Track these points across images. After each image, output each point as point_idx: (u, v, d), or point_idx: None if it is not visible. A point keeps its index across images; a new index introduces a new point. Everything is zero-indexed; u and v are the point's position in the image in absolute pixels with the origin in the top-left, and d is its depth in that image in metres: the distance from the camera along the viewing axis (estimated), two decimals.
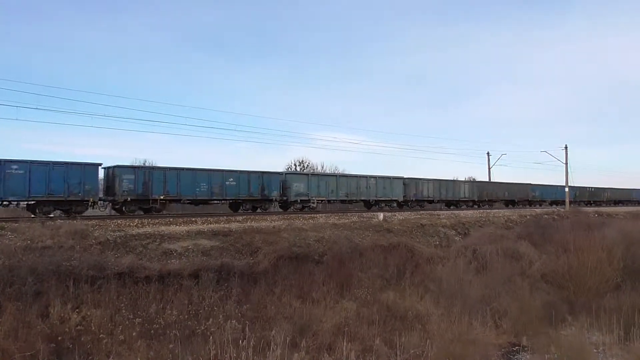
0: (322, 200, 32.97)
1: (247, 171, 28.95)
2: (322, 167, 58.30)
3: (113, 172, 24.35)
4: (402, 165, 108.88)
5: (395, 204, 37.01)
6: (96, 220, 18.57)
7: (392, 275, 18.19)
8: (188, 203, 27.22)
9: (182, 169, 26.43)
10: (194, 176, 26.44)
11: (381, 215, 25.85)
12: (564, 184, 49.30)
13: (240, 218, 22.58)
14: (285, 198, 30.75)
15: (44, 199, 21.58)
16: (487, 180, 53.13)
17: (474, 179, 59.41)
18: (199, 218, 21.68)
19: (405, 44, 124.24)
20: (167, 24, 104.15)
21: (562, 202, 48.03)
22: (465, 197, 43.97)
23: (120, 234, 15.91)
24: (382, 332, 13.72)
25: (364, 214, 28.44)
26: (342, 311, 14.50)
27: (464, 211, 36.61)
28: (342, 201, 34.58)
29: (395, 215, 27.77)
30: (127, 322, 11.71)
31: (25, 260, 12.53)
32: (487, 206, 45.10)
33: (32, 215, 21.02)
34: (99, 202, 23.93)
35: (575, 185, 54.33)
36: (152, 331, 11.74)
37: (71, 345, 10.65)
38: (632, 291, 18.91)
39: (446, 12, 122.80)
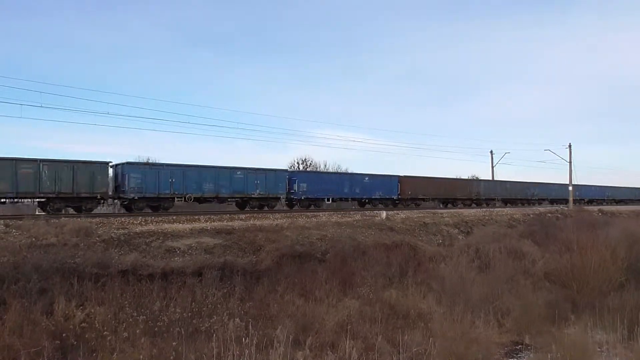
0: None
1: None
2: (325, 166, 58.33)
3: None
4: (404, 164, 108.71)
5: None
6: (100, 218, 18.66)
7: (395, 274, 18.20)
8: None
9: None
10: None
11: (384, 214, 25.89)
12: (567, 183, 49.29)
13: (243, 216, 22.64)
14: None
15: None
16: (491, 179, 53.04)
17: (477, 177, 59.41)
18: (202, 216, 21.74)
19: (407, 42, 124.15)
20: (167, 22, 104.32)
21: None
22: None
23: (123, 232, 15.97)
24: (385, 331, 13.73)
25: (367, 212, 28.45)
26: (344, 309, 14.52)
27: (467, 210, 36.55)
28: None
29: (397, 214, 27.79)
30: (130, 320, 11.77)
31: (29, 258, 12.60)
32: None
33: None
34: None
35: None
36: (155, 329, 11.78)
37: (75, 342, 10.72)
38: (636, 290, 18.86)
39: (448, 9, 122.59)
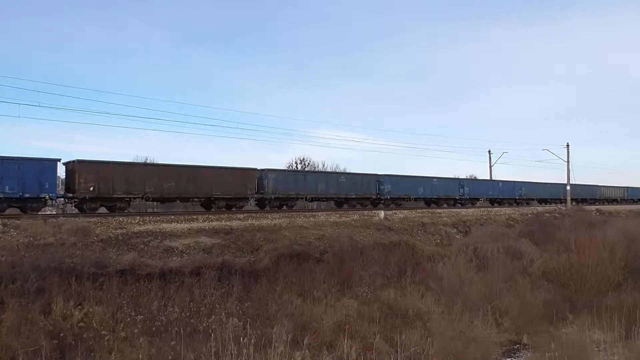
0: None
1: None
2: (324, 165, 58.29)
3: None
4: (403, 164, 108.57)
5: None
6: (98, 218, 18.63)
7: (393, 274, 18.21)
8: None
9: None
10: None
11: (382, 214, 25.87)
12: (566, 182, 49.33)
13: (241, 216, 22.62)
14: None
15: None
16: (489, 178, 53.11)
17: (475, 177, 59.39)
18: (200, 216, 21.72)
19: (406, 41, 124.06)
20: (166, 22, 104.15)
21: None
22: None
23: (121, 232, 15.96)
24: (383, 330, 13.74)
25: (365, 212, 28.45)
26: (343, 309, 14.52)
27: (465, 209, 36.58)
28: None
29: (396, 214, 27.81)
30: (128, 319, 11.76)
31: (27, 257, 12.59)
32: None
33: None
34: None
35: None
36: (153, 328, 11.77)
37: (73, 342, 10.70)
38: (634, 290, 18.93)
39: (447, 9, 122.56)
